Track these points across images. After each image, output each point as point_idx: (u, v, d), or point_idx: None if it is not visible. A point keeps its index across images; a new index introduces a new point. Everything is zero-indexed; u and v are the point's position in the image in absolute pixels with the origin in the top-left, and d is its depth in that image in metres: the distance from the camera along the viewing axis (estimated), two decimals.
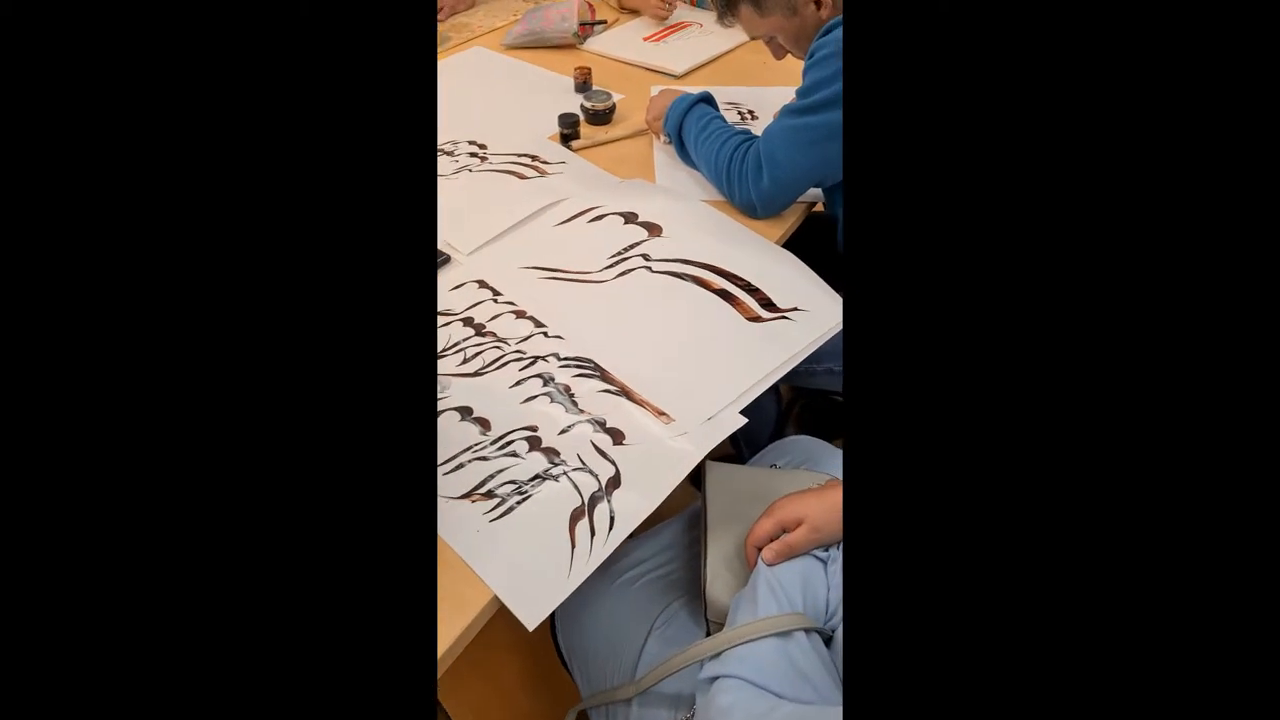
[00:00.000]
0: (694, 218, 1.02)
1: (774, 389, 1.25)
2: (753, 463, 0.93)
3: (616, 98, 1.31)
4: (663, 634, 0.72)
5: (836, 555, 0.66)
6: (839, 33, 0.86)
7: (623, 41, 1.55)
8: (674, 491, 0.71)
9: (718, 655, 0.57)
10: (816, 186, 1.02)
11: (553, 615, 0.81)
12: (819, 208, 1.12)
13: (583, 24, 1.55)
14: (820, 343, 0.86)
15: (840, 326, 0.88)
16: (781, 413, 1.25)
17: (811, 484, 0.75)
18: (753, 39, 1.08)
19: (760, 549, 0.66)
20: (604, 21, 1.62)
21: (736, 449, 1.26)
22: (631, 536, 0.82)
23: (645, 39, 1.56)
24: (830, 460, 0.90)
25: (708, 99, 1.13)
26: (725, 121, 1.09)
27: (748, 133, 1.04)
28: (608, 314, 0.88)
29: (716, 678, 0.55)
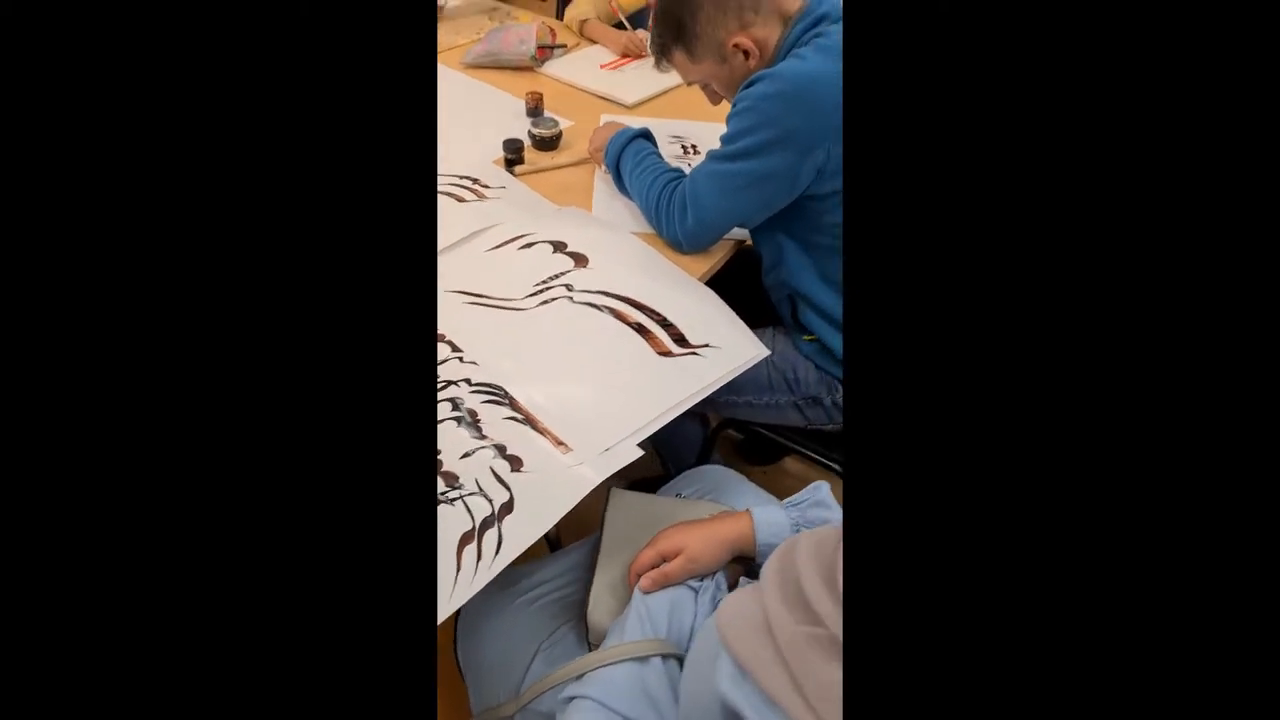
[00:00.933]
0: (621, 250, 1.06)
1: (701, 416, 1.30)
2: (662, 491, 0.97)
3: (564, 124, 1.34)
4: (549, 654, 0.75)
5: (709, 585, 0.70)
6: (759, 86, 0.91)
7: (580, 67, 1.59)
8: (591, 515, 0.73)
9: (580, 676, 0.61)
10: (740, 227, 1.07)
11: (455, 628, 0.84)
12: (748, 243, 1.16)
13: (541, 47, 1.59)
14: (728, 378, 0.90)
15: (753, 361, 0.93)
16: (707, 440, 1.29)
17: (707, 514, 0.79)
18: (689, 84, 1.13)
19: (640, 576, 0.70)
20: (564, 46, 1.66)
21: (667, 473, 1.30)
22: (536, 558, 0.85)
23: (602, 66, 1.60)
24: (737, 490, 0.94)
25: (646, 135, 1.17)
26: (660, 159, 1.13)
27: (679, 172, 1.08)
28: (523, 342, 0.91)
29: (574, 698, 0.59)
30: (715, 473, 0.99)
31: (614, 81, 1.53)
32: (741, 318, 1.11)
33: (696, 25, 0.97)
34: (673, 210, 1.04)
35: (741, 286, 1.25)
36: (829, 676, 0.38)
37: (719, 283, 1.34)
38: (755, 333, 1.03)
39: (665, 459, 1.32)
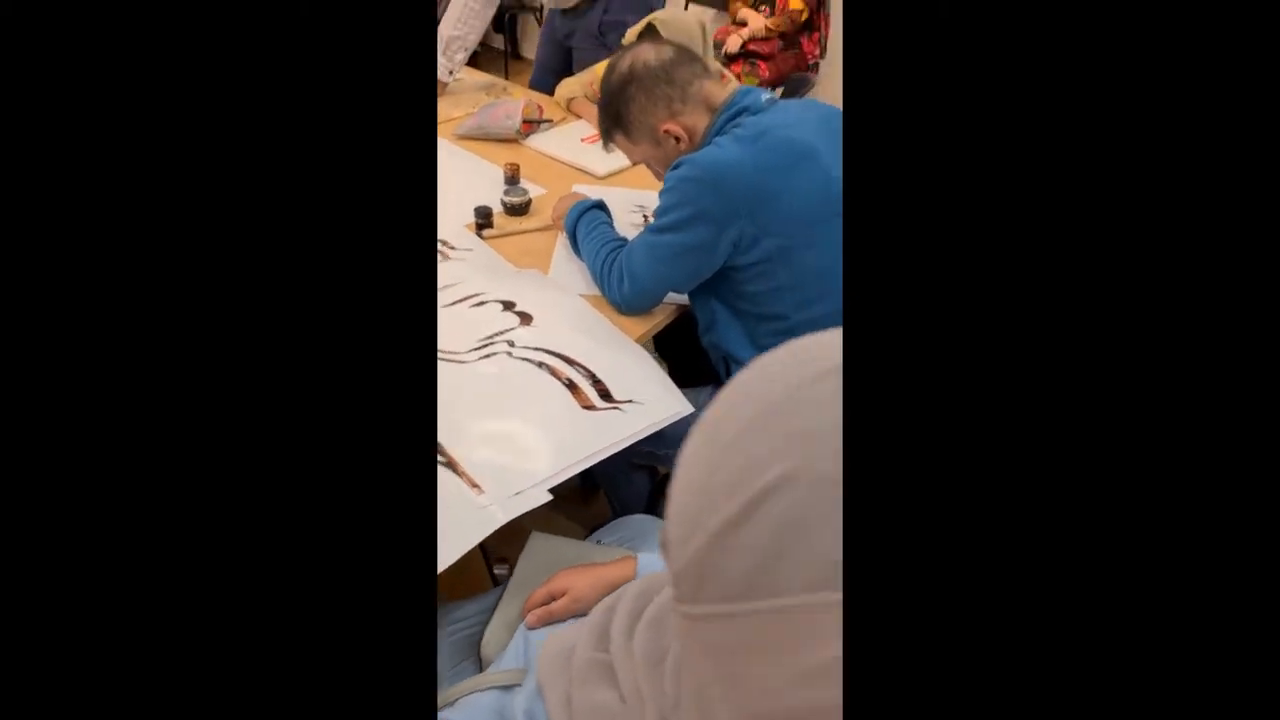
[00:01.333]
0: (566, 311, 1.15)
1: (649, 468, 1.36)
2: (589, 538, 1.03)
3: (536, 193, 1.46)
4: (445, 688, 0.81)
5: None
6: (680, 170, 1.01)
7: (561, 141, 1.72)
8: None
9: (452, 703, 0.66)
10: (675, 292, 1.15)
11: None
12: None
13: (527, 121, 1.72)
14: (647, 432, 0.97)
15: (675, 417, 0.99)
16: (654, 490, 1.34)
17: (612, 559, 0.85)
18: (634, 163, 1.23)
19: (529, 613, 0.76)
20: (550, 120, 1.79)
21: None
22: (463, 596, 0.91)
23: (583, 140, 1.72)
24: (655, 538, 0.99)
25: (601, 206, 1.27)
26: (610, 228, 1.23)
27: (623, 241, 1.17)
28: (459, 392, 0.99)
29: None
30: (641, 522, 1.05)
31: (589, 154, 1.65)
32: (684, 375, 1.18)
33: (631, 113, 1.08)
34: (613, 276, 1.13)
35: (686, 346, 1.33)
36: (597, 698, 0.43)
37: (666, 342, 1.42)
38: (694, 390, 1.10)
39: (614, 507, 1.38)
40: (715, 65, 1.76)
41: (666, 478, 1.34)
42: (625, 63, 1.08)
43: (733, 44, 2.96)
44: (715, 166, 0.98)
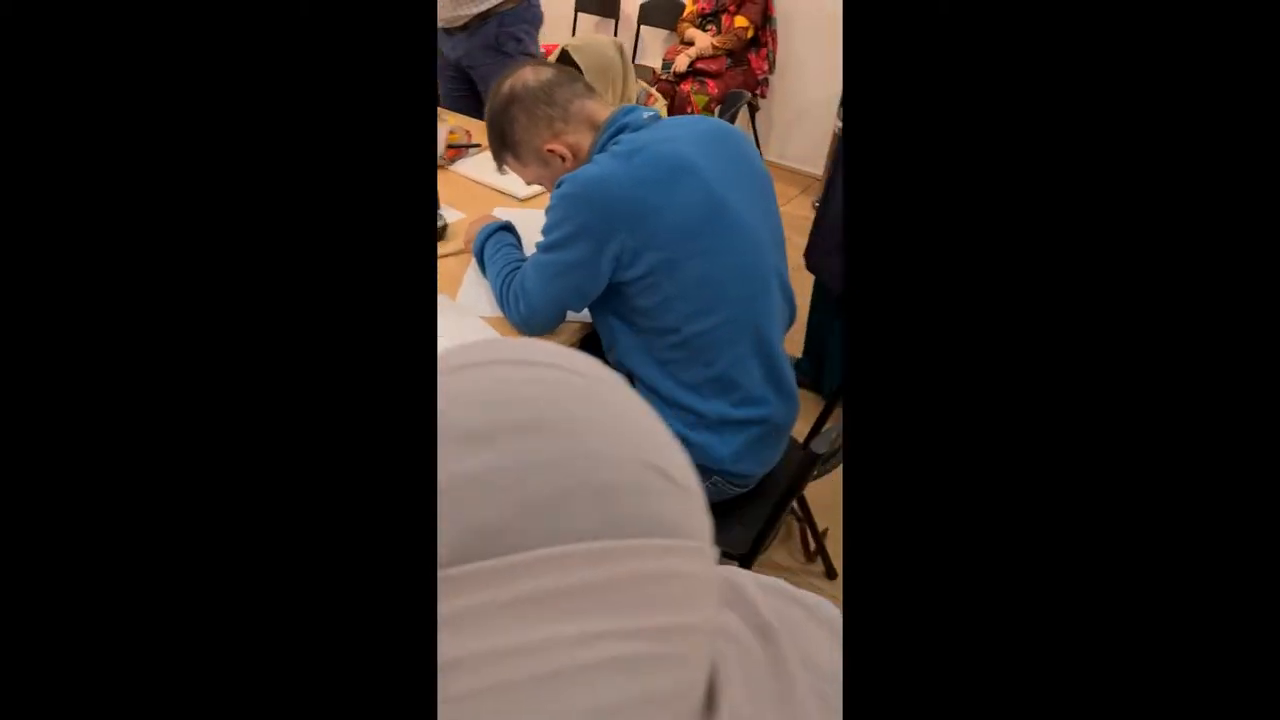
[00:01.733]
0: (463, 333, 1.15)
1: None
2: None
3: (454, 217, 1.47)
4: None
5: None
6: (561, 188, 1.02)
7: (486, 165, 1.73)
8: None
9: None
10: (571, 311, 1.15)
11: None
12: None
13: (452, 147, 1.74)
14: None
15: None
16: None
17: None
18: (528, 184, 1.24)
19: None
20: (478, 145, 1.81)
21: None
22: None
23: None
24: None
25: (508, 227, 1.28)
26: (515, 250, 1.23)
27: (524, 261, 1.18)
28: None
29: None
30: None
31: (512, 177, 1.66)
32: None
33: (515, 134, 1.09)
34: (510, 297, 1.13)
35: None
36: None
37: None
38: None
39: None
40: (638, 87, 1.78)
41: None
42: (506, 85, 1.09)
43: (680, 63, 3.00)
44: (592, 183, 0.99)
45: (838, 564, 1.56)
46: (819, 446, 0.96)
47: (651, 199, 0.99)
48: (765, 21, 3.03)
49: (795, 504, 1.41)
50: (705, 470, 1.11)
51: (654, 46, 3.47)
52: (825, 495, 1.70)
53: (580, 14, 3.62)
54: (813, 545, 1.57)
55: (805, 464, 0.98)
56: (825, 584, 1.54)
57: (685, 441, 1.15)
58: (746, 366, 1.06)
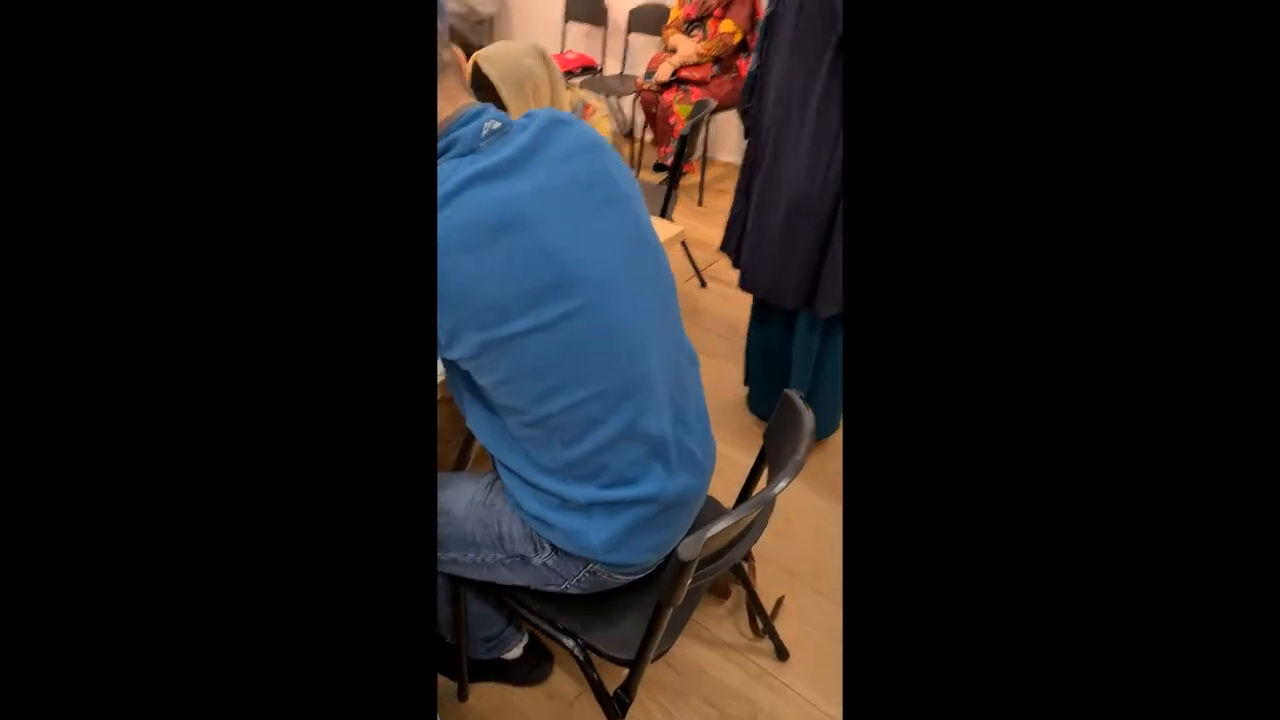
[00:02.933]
0: None
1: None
2: None
3: None
4: None
5: None
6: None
7: None
8: None
9: None
10: None
11: None
12: None
13: None
14: None
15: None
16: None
17: None
18: None
19: None
20: None
21: None
22: None
23: None
24: None
25: None
26: None
27: None
28: None
29: None
30: None
31: None
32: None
33: None
34: None
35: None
36: None
37: None
38: (478, 480, 0.93)
39: None
40: (573, 96, 1.61)
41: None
42: None
43: (663, 72, 2.82)
44: None
45: (794, 639, 1.35)
46: (727, 535, 0.75)
47: (464, 267, 0.76)
48: (753, 25, 2.83)
49: (736, 569, 1.21)
50: (577, 558, 0.92)
51: (644, 54, 3.30)
52: (785, 555, 1.49)
53: (570, 22, 3.48)
54: (761, 623, 1.36)
55: (675, 572, 0.78)
56: (775, 666, 1.33)
57: (548, 525, 0.89)
58: (618, 448, 0.86)
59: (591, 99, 1.64)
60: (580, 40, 3.59)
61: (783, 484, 0.85)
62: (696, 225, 2.79)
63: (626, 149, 3.44)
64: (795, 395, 0.94)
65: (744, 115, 1.49)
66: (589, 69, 3.36)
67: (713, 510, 1.12)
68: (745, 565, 1.44)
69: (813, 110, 1.25)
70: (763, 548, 1.51)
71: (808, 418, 0.90)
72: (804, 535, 1.56)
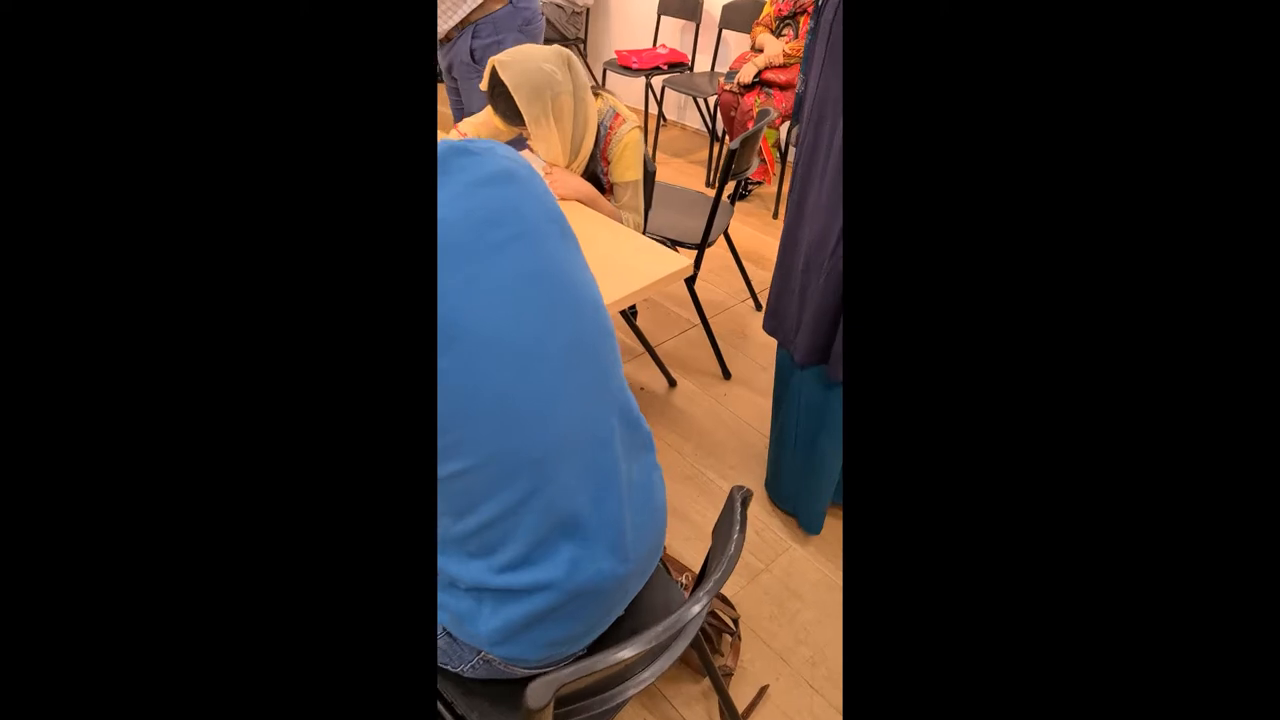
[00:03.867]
0: None
1: None
2: None
3: None
4: None
5: None
6: None
7: None
8: None
9: None
10: None
11: None
12: None
13: None
14: None
15: None
16: None
17: None
18: None
19: None
20: None
21: None
22: None
23: None
24: None
25: None
26: None
27: None
28: None
29: None
30: None
31: None
32: None
33: None
34: None
35: None
36: None
37: None
38: None
39: None
40: (602, 105, 1.48)
41: None
42: None
43: (746, 73, 2.63)
44: None
45: None
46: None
47: None
48: None
49: (697, 647, 1.07)
50: (468, 645, 0.80)
51: (738, 52, 3.11)
52: (780, 635, 1.32)
53: (663, 16, 3.33)
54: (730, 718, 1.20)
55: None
56: None
57: (438, 604, 0.79)
58: (515, 525, 0.73)
59: (621, 108, 1.50)
60: (674, 35, 3.44)
61: (698, 608, 0.70)
62: (767, 240, 2.60)
63: (703, 152, 3.28)
64: (737, 495, 0.78)
65: (782, 148, 1.31)
66: (678, 65, 3.20)
67: (665, 598, 0.97)
68: (723, 637, 1.28)
69: (840, 138, 1.06)
70: (754, 620, 1.35)
71: (737, 531, 0.74)
72: (807, 614, 1.37)
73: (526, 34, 1.84)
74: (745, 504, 0.75)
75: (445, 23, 1.77)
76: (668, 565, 0.97)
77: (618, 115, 1.48)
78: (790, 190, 1.27)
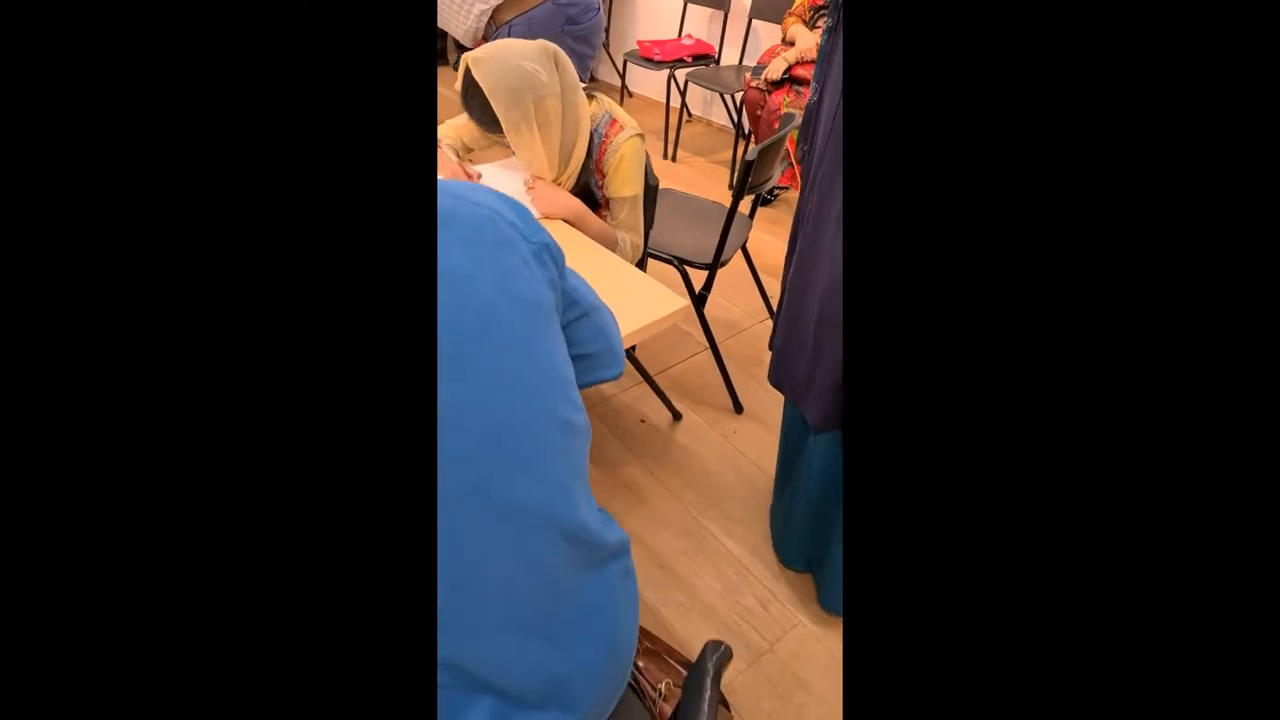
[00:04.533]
0: None
1: None
2: None
3: None
4: None
5: None
6: None
7: None
8: None
9: None
10: None
11: None
12: None
13: None
14: None
15: None
16: None
17: None
18: None
19: None
20: None
21: None
22: None
23: None
24: None
25: None
26: None
27: None
28: None
29: None
30: None
31: None
32: None
33: None
34: None
35: None
36: None
37: None
38: None
39: None
40: (596, 109, 1.29)
41: None
42: None
43: (775, 69, 2.41)
44: None
45: None
46: None
47: None
48: None
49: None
50: None
51: (768, 44, 2.88)
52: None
53: (689, 5, 3.12)
54: None
55: None
56: None
57: None
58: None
59: (619, 112, 1.31)
60: (701, 24, 3.23)
61: None
62: None
63: (728, 151, 3.06)
64: (709, 660, 0.59)
65: (800, 160, 1.11)
66: (703, 58, 2.99)
67: None
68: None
69: None
70: (750, 714, 1.16)
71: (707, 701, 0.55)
72: (817, 711, 1.18)
73: (574, 36, 1.65)
74: (719, 673, 0.56)
75: (461, 21, 1.59)
76: (639, 678, 0.79)
77: (614, 121, 1.29)
78: (801, 215, 1.06)
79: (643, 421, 1.73)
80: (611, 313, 0.80)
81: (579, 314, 0.72)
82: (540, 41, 1.20)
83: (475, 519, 0.56)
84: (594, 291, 0.77)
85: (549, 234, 0.67)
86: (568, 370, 0.66)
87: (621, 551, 0.71)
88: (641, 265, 1.44)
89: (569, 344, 0.71)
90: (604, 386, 1.82)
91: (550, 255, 0.66)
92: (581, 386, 0.73)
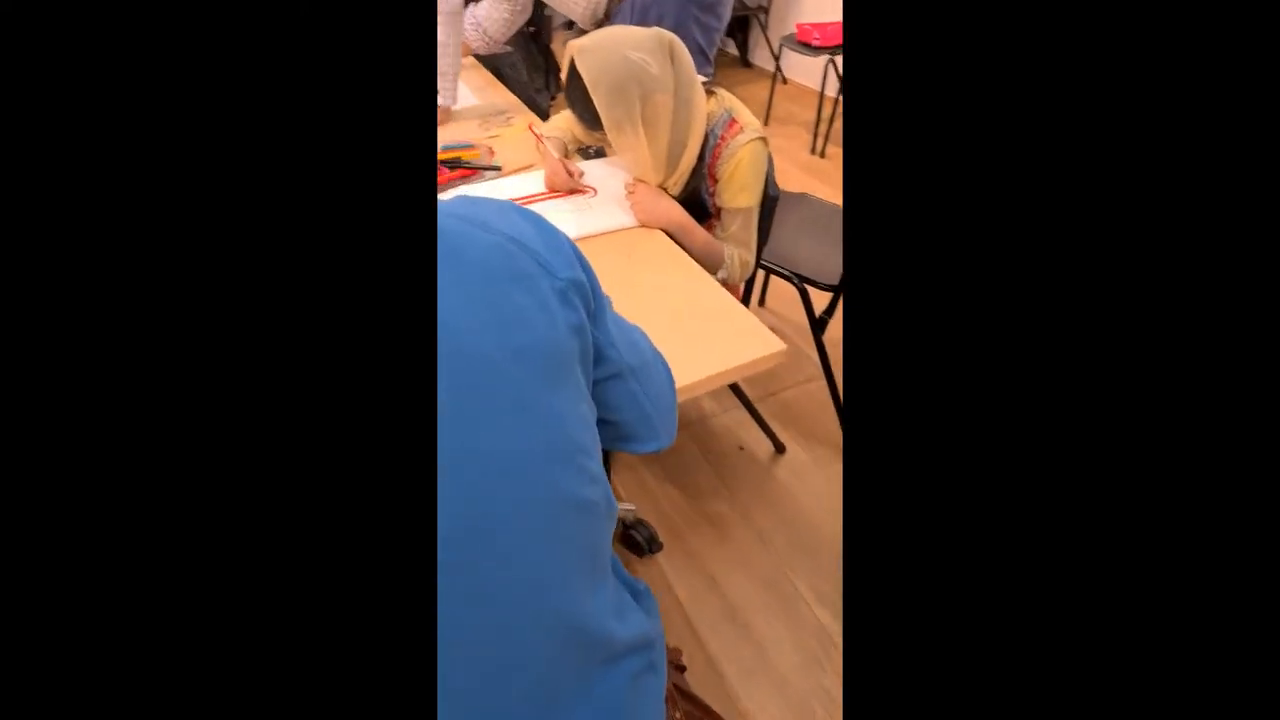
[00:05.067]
0: None
1: None
2: None
3: None
4: None
5: None
6: None
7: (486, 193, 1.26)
8: None
9: None
10: None
11: None
12: None
13: (465, 166, 1.30)
14: None
15: None
16: None
17: None
18: None
19: None
20: (498, 168, 1.34)
21: None
22: None
23: (513, 199, 1.24)
24: None
25: None
26: None
27: None
28: None
29: None
30: None
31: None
32: None
33: None
34: None
35: None
36: None
37: None
38: None
39: None
40: (715, 107, 1.14)
41: None
42: None
43: None
44: None
45: None
46: None
47: None
48: None
49: None
50: None
51: None
52: None
53: None
54: None
55: None
56: None
57: None
58: None
59: (741, 112, 1.15)
60: None
61: None
62: None
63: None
64: None
65: None
66: None
67: None
68: None
69: None
70: None
71: None
72: None
73: (700, 5, 1.51)
74: None
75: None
76: None
77: (733, 121, 1.13)
78: None
79: (740, 449, 1.58)
80: (667, 371, 0.67)
81: (610, 373, 0.59)
82: (656, 30, 1.06)
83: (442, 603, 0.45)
84: (644, 343, 0.64)
85: (588, 271, 0.55)
86: (585, 436, 0.54)
87: (641, 647, 0.58)
88: (751, 278, 1.29)
89: (597, 405, 0.59)
90: (704, 403, 1.69)
91: (580, 295, 0.54)
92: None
